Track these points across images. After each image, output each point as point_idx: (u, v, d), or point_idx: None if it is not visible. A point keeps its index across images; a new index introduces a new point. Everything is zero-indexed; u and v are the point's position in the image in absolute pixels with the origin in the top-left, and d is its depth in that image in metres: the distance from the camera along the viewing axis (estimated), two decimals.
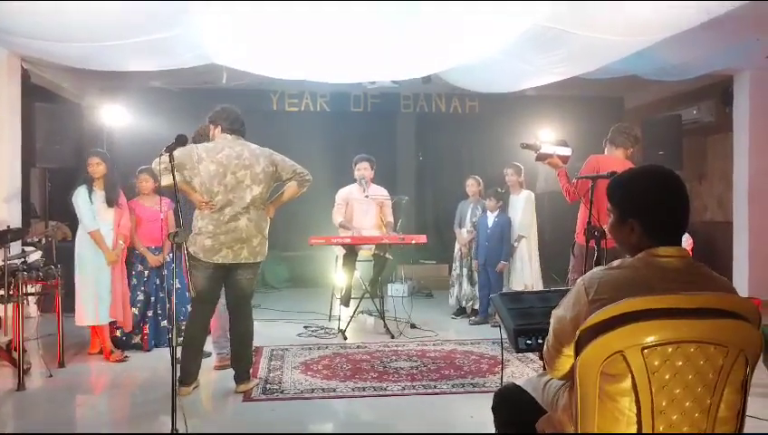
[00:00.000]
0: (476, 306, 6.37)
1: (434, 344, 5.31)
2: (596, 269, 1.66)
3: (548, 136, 6.43)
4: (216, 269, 3.86)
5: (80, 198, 4.68)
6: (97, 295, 4.70)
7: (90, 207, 4.69)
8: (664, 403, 1.48)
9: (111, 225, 4.78)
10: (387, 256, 5.82)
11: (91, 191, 4.72)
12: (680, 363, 1.48)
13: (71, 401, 3.87)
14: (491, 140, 8.64)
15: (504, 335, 2.17)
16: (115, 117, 7.26)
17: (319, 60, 4.78)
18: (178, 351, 3.48)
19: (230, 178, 3.84)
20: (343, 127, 8.70)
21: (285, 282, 8.67)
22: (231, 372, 4.02)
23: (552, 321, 1.73)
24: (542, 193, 7.84)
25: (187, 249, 3.58)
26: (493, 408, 2.06)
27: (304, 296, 7.71)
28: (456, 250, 6.58)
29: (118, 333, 4.98)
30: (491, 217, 6.24)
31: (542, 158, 4.48)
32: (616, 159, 4.41)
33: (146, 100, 7.67)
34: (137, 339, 5.05)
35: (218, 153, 3.85)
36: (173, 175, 3.21)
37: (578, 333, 1.57)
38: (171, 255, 4.83)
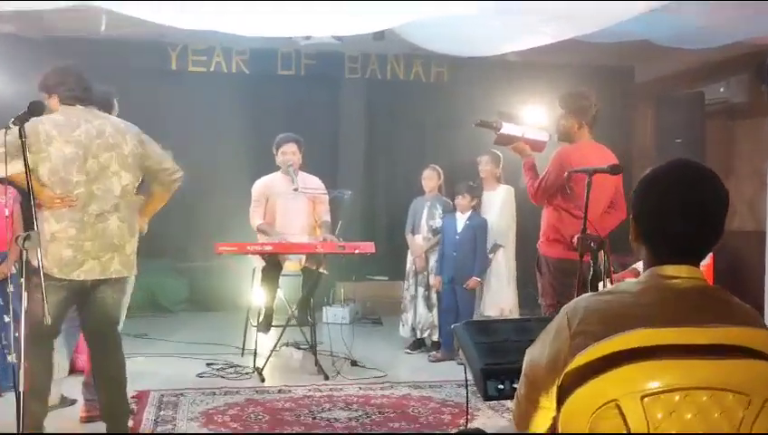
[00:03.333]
0: (437, 337, 6.49)
1: (381, 388, 5.38)
2: (584, 295, 1.69)
3: (533, 115, 6.46)
4: (73, 289, 3.78)
5: None
6: None
7: None
8: None
9: None
10: (321, 269, 5.89)
11: None
12: (689, 416, 1.50)
13: None
14: (462, 117, 8.32)
15: (471, 377, 2.19)
16: None
17: (235, 5, 4.75)
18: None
19: (92, 164, 3.79)
20: (267, 96, 8.77)
21: (183, 303, 8.74)
22: (102, 425, 4.01)
23: (524, 362, 1.75)
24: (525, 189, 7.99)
25: (28, 262, 3.14)
26: None
27: (208, 322, 7.79)
28: (408, 263, 6.70)
29: None
30: (460, 220, 6.37)
31: (503, 141, 4.65)
32: (593, 148, 4.44)
33: None
34: None
35: (74, 130, 3.78)
36: (25, 157, 3.13)
37: (559, 378, 1.59)
38: (18, 265, 4.65)
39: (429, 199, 6.65)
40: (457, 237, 6.31)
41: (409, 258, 6.70)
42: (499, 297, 6.32)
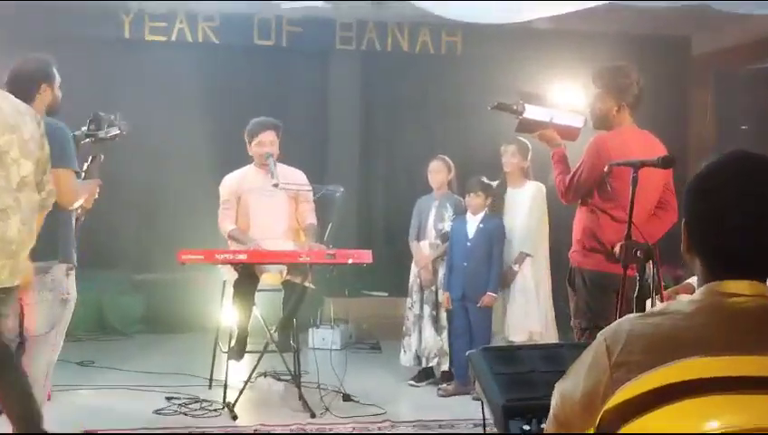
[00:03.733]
0: (447, 366, 6.44)
1: (380, 428, 5.35)
2: (627, 316, 1.68)
3: (564, 95, 6.31)
4: None
5: None
6: None
7: None
8: None
9: None
10: (306, 283, 5.87)
11: None
12: None
13: None
14: (478, 98, 7.95)
15: (489, 415, 2.20)
16: None
17: None
18: None
19: None
20: (240, 71, 8.70)
21: (138, 324, 8.67)
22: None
23: (553, 398, 1.74)
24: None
25: None
26: None
27: (169, 347, 7.74)
28: (411, 276, 6.68)
29: None
30: (472, 223, 6.33)
31: (526, 127, 4.66)
32: (636, 136, 4.46)
33: None
34: None
35: None
36: None
37: (596, 418, 1.59)
38: None
39: (438, 198, 6.60)
40: (469, 244, 6.27)
41: (413, 270, 6.66)
42: (527, 318, 6.29)
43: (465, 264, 6.25)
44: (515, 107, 4.62)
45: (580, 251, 4.40)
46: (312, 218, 6.19)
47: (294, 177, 6.19)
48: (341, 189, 6.25)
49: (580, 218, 4.50)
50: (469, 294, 6.23)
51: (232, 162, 6.43)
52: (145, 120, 7.68)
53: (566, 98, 6.12)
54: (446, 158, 6.69)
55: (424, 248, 6.61)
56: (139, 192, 8.13)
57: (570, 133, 4.69)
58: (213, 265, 6.08)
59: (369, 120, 9.31)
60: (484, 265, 6.23)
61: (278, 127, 6.13)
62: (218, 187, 6.24)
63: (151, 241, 8.15)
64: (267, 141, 6.02)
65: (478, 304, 6.18)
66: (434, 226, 6.57)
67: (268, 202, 6.07)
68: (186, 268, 5.96)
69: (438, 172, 6.58)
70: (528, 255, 6.36)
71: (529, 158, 6.42)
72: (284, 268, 5.92)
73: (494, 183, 6.41)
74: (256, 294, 5.92)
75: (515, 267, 6.31)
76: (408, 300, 6.70)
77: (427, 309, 6.55)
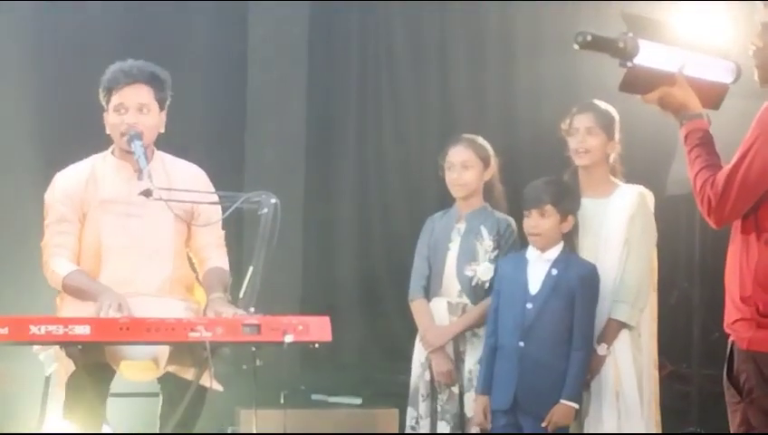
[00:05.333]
0: None
1: None
2: None
3: (699, 27, 4.58)
4: None
5: None
6: None
7: None
8: None
9: None
10: (205, 381, 4.23)
11: None
12: None
13: None
14: (537, 34, 7.41)
15: None
16: None
17: None
18: None
19: None
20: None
21: None
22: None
23: None
24: (679, 194, 6.53)
25: None
26: None
27: None
28: (414, 366, 5.18)
29: None
30: (536, 267, 4.86)
31: (638, 82, 3.60)
32: None
33: None
34: None
35: None
36: None
37: None
38: None
39: (464, 217, 4.99)
40: (530, 307, 4.73)
41: (418, 354, 5.01)
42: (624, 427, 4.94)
43: (522, 344, 4.79)
44: (620, 44, 3.43)
45: (747, 321, 3.37)
46: (217, 257, 4.67)
47: (187, 177, 4.70)
48: (273, 200, 4.42)
49: (748, 257, 3.45)
50: (526, 401, 4.75)
51: (70, 147, 4.98)
52: None
53: (701, 31, 4.35)
54: (480, 139, 5.04)
55: (439, 313, 4.99)
56: None
57: (712, 95, 3.65)
58: (24, 349, 4.48)
59: (336, 82, 7.78)
60: (559, 349, 4.78)
61: (160, 81, 4.59)
62: (42, 195, 4.64)
63: None
64: (133, 105, 4.50)
65: (544, 424, 4.70)
66: (458, 270, 4.96)
67: (136, 225, 4.56)
68: None
69: (465, 167, 4.97)
70: (625, 325, 4.83)
71: (617, 137, 5.02)
72: (163, 353, 4.31)
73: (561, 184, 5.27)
74: (109, 399, 4.49)
75: (601, 349, 4.79)
76: (410, 413, 5.12)
77: (443, 428, 5.01)
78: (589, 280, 4.81)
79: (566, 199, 4.83)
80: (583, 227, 4.95)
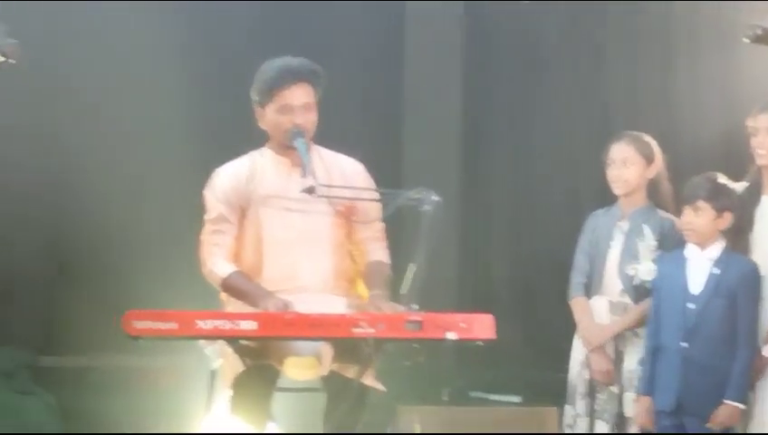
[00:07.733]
0: None
1: None
2: None
3: None
4: None
5: None
6: None
7: None
8: None
9: None
10: (367, 380, 4.34)
11: None
12: None
13: None
14: (715, 21, 7.00)
15: None
16: None
17: None
18: None
19: None
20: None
21: None
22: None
23: None
24: None
25: None
26: None
27: None
28: (573, 365, 5.22)
29: None
30: (698, 265, 4.85)
31: None
32: None
33: None
34: None
35: None
36: None
37: None
38: None
39: (627, 215, 5.01)
40: (692, 307, 4.73)
41: (577, 353, 5.04)
42: None
43: (685, 344, 4.78)
44: None
45: None
46: (377, 250, 4.71)
47: (348, 173, 4.74)
48: (435, 198, 4.51)
49: None
50: (691, 403, 4.76)
51: (224, 145, 5.07)
52: (65, 66, 6.49)
53: None
54: (644, 136, 5.06)
55: (599, 312, 5.03)
56: (49, 199, 6.95)
57: None
58: (190, 344, 4.56)
59: (492, 79, 7.63)
60: (723, 349, 4.76)
61: (320, 78, 4.65)
62: (200, 193, 4.72)
63: (72, 295, 6.53)
64: (298, 104, 4.54)
65: (709, 424, 4.73)
66: (619, 269, 5.00)
67: (297, 220, 4.62)
68: (136, 349, 4.28)
69: (625, 164, 5.03)
70: None
71: None
72: (327, 350, 4.27)
73: (739, 185, 4.96)
74: (275, 396, 4.52)
75: (766, 350, 4.79)
76: (568, 411, 5.16)
77: (602, 427, 5.03)
78: (750, 278, 4.78)
79: (721, 196, 4.79)
80: (762, 225, 4.88)
